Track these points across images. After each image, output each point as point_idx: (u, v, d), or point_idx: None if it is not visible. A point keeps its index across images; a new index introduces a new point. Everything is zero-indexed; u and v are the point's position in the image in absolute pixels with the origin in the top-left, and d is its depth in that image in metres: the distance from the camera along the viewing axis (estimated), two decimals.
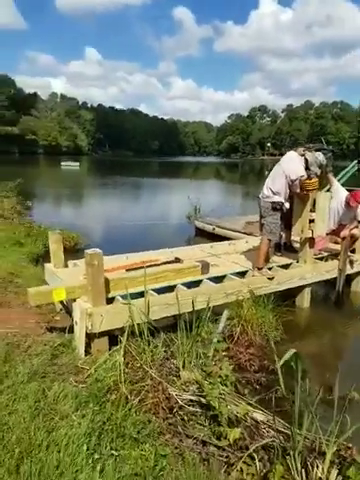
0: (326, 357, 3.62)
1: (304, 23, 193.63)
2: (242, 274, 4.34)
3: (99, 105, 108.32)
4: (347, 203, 4.59)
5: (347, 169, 7.76)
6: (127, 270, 3.89)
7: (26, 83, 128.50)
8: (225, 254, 5.00)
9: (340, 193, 4.75)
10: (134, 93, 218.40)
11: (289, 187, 3.97)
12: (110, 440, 1.83)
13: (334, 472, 1.63)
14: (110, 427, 1.92)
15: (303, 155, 3.93)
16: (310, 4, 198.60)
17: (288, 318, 3.98)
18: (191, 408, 2.39)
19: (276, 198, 3.96)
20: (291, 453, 1.72)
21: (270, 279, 4.15)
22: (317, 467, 1.64)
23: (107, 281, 3.13)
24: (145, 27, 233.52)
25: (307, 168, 3.89)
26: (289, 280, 4.33)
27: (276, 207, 3.95)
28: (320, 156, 3.92)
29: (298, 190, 3.97)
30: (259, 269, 4.15)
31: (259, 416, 2.22)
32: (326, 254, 4.93)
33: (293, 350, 1.75)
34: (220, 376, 2.51)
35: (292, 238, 4.93)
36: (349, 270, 4.78)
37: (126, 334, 2.55)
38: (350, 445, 1.80)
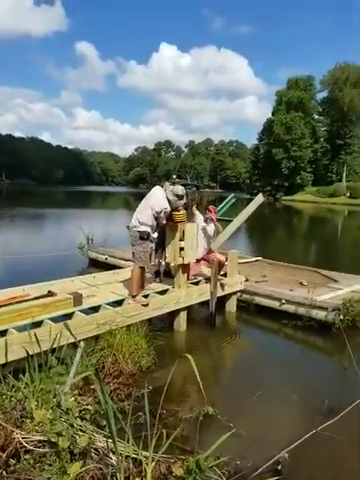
0: (190, 377, 3.75)
1: (201, 68, 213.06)
2: (119, 303, 4.40)
3: None
4: (207, 220, 5.30)
5: (226, 201, 8.50)
6: None
7: None
8: (106, 284, 5.03)
9: (200, 223, 5.34)
10: (36, 122, 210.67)
11: (155, 218, 4.26)
12: None
13: None
14: None
15: (166, 190, 4.31)
16: (205, 53, 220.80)
17: (164, 342, 4.14)
18: (41, 449, 2.29)
19: (143, 228, 4.20)
20: (118, 476, 1.77)
21: (145, 306, 4.30)
22: None
23: None
24: (45, 57, 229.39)
25: (169, 201, 4.25)
26: (164, 305, 4.54)
27: (143, 236, 4.18)
28: (178, 188, 4.29)
29: (164, 221, 4.32)
30: (133, 297, 4.27)
31: (103, 444, 2.23)
32: (201, 278, 5.34)
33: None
34: (70, 409, 2.49)
35: (171, 265, 5.23)
36: (220, 292, 5.23)
37: None
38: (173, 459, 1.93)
